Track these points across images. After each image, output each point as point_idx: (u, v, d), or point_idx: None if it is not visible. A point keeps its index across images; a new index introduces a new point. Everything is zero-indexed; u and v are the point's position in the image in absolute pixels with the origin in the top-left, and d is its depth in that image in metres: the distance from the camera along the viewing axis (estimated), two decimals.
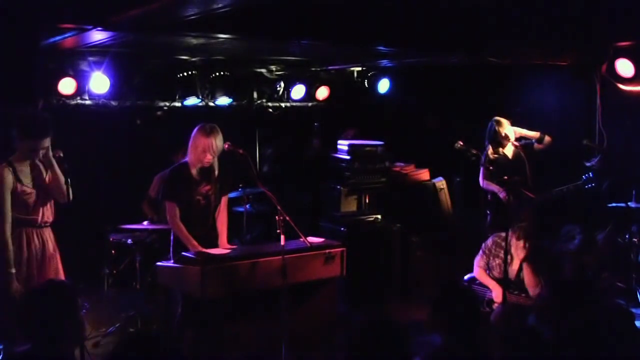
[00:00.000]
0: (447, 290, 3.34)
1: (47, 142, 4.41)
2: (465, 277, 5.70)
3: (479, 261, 5.62)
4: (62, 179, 4.51)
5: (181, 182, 5.11)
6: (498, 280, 5.34)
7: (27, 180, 4.42)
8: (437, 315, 3.21)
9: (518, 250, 5.37)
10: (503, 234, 5.24)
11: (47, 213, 4.51)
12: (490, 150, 6.37)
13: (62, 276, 4.58)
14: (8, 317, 4.25)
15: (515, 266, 5.39)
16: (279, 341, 4.57)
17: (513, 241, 5.34)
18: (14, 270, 4.28)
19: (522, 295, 5.27)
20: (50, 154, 4.47)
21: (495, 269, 5.44)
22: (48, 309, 2.84)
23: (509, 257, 5.29)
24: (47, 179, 4.49)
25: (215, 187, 5.20)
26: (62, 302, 2.90)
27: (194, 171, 5.11)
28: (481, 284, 5.53)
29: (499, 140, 6.36)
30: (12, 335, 4.13)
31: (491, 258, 5.52)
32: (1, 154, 4.47)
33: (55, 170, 4.48)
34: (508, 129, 6.37)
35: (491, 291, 5.43)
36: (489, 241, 5.60)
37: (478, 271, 5.60)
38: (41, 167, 4.49)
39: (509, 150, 6.40)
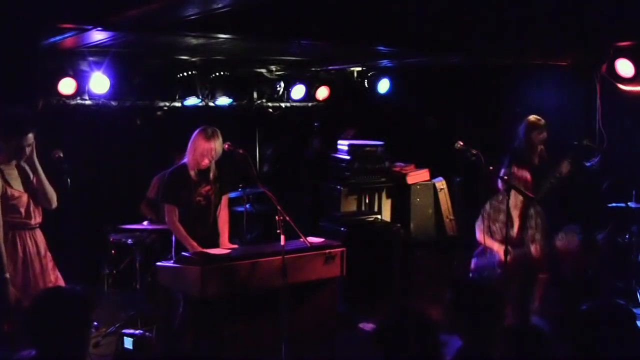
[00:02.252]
0: (463, 289, 3.31)
1: (31, 138, 4.33)
2: (473, 261, 5.75)
3: (480, 225, 5.69)
4: (47, 184, 4.44)
5: (180, 184, 5.12)
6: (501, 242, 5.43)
7: (16, 183, 4.35)
8: (457, 316, 3.18)
9: (516, 210, 5.48)
10: (500, 197, 5.41)
11: (37, 214, 4.48)
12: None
13: (59, 274, 4.56)
14: (5, 324, 4.25)
15: (516, 227, 5.49)
16: (279, 341, 4.57)
17: (512, 202, 5.42)
18: (8, 275, 4.22)
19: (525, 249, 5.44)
20: (35, 158, 4.40)
21: (497, 233, 5.52)
22: (64, 315, 2.73)
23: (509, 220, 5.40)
24: (34, 182, 4.44)
25: (214, 187, 5.21)
26: (79, 312, 2.78)
27: (192, 173, 5.13)
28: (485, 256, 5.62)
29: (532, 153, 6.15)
30: (8, 341, 4.13)
31: (491, 223, 5.59)
32: None
33: (39, 175, 4.41)
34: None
35: (497, 253, 5.49)
36: (487, 206, 5.65)
37: (480, 235, 5.67)
38: (28, 170, 4.42)
39: None
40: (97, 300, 6.37)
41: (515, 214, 5.57)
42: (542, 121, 6.19)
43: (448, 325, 3.21)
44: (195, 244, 5.03)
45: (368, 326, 6.30)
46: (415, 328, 2.76)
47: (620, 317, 2.83)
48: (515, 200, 5.48)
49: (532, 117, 6.24)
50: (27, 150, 4.33)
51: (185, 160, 5.17)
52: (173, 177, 5.19)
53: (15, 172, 4.38)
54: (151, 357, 4.84)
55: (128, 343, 5.35)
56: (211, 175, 5.19)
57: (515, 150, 6.15)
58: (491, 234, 5.60)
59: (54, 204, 4.52)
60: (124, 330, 5.49)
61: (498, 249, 5.47)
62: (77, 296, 2.84)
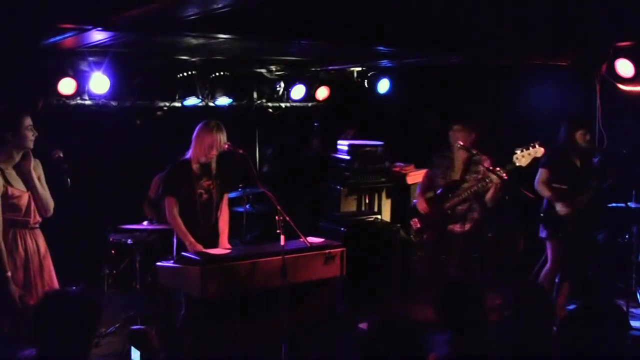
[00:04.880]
0: (448, 289, 3.33)
1: (30, 121, 4.35)
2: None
3: (424, 178, 6.16)
4: (42, 193, 4.43)
5: (182, 178, 5.14)
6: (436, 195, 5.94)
7: (16, 182, 4.37)
8: (440, 314, 3.20)
9: (460, 154, 5.85)
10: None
11: (37, 214, 4.48)
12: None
13: (55, 278, 4.57)
14: (6, 322, 4.25)
15: (456, 173, 5.83)
16: (279, 341, 4.57)
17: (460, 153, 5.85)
18: (9, 274, 4.23)
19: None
20: (31, 168, 4.40)
21: (437, 187, 5.96)
22: (68, 318, 2.74)
23: (451, 169, 5.88)
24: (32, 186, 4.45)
25: (215, 183, 5.23)
26: (84, 316, 2.79)
27: (195, 166, 5.17)
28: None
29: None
30: (9, 340, 4.12)
31: (435, 178, 6.01)
32: None
33: (35, 185, 4.41)
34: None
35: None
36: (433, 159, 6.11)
37: (419, 186, 6.19)
38: (26, 173, 4.42)
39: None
40: (99, 301, 6.36)
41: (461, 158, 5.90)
42: (587, 124, 6.03)
43: (439, 323, 3.23)
44: (193, 239, 5.04)
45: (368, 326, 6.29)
46: (399, 334, 2.76)
47: (610, 316, 2.84)
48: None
49: (575, 116, 6.10)
50: (31, 135, 4.35)
51: (187, 155, 5.19)
52: (174, 170, 5.21)
53: (14, 173, 4.38)
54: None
55: (135, 356, 5.33)
56: (213, 169, 5.21)
57: (554, 149, 5.95)
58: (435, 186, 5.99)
59: (50, 212, 4.52)
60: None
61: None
62: (83, 300, 2.85)
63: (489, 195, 5.65)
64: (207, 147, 5.09)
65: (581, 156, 5.98)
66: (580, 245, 5.98)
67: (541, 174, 5.98)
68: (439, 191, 5.98)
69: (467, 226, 5.81)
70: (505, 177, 5.40)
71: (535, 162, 5.70)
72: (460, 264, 5.86)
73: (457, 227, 5.84)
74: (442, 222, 5.85)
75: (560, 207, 5.87)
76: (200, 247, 5.02)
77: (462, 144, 5.86)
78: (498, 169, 5.45)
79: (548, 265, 6.06)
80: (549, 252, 6.06)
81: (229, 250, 5.07)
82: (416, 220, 6.06)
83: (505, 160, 5.83)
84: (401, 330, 2.75)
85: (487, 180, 5.56)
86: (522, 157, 5.34)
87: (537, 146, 5.32)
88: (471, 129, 5.85)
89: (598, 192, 5.84)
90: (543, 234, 6.06)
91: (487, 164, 5.66)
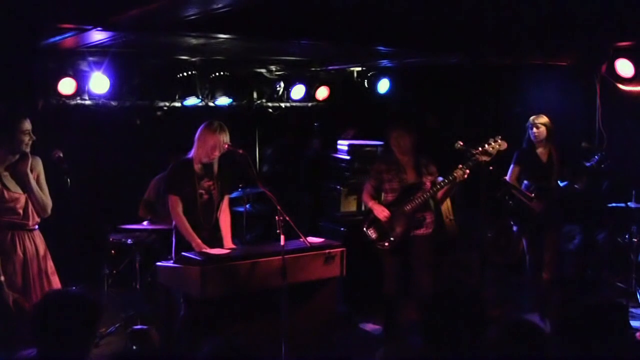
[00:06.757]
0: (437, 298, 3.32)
1: (29, 124, 4.36)
2: None
3: (367, 187, 5.89)
4: (38, 194, 4.43)
5: (184, 177, 5.13)
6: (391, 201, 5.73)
7: (12, 185, 4.37)
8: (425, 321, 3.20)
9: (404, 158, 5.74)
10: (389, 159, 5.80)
11: (35, 215, 4.48)
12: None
13: (56, 279, 4.56)
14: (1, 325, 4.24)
15: (410, 176, 5.72)
16: (279, 341, 4.57)
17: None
18: (3, 278, 4.23)
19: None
20: (28, 170, 4.40)
21: (389, 192, 5.76)
22: (71, 318, 2.75)
23: (403, 172, 5.71)
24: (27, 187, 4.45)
25: (216, 183, 5.22)
26: (84, 317, 2.79)
27: (197, 167, 5.16)
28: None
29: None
30: (6, 341, 4.12)
31: (385, 183, 5.78)
32: None
33: (31, 186, 4.42)
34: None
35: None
36: (377, 167, 5.90)
37: (365, 195, 5.91)
38: (22, 174, 4.43)
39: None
40: (99, 301, 6.35)
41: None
42: (539, 118, 6.03)
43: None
44: (199, 240, 5.02)
45: (368, 326, 6.30)
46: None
47: (613, 316, 2.84)
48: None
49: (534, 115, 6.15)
50: (28, 139, 4.34)
51: (190, 155, 5.19)
52: (177, 169, 5.20)
53: (8, 175, 4.37)
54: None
55: None
56: (214, 170, 5.21)
57: (521, 147, 6.11)
58: (384, 192, 5.80)
59: (47, 213, 4.52)
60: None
61: (374, 205, 5.76)
62: (84, 300, 2.85)
63: (441, 193, 5.81)
64: (209, 148, 5.09)
65: (544, 153, 6.02)
66: (549, 241, 5.99)
67: (512, 171, 6.13)
68: (393, 196, 5.79)
69: (429, 229, 5.79)
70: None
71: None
72: (430, 267, 5.82)
73: (420, 231, 5.76)
74: (406, 227, 5.74)
75: (533, 204, 5.96)
76: (206, 248, 5.00)
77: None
78: (460, 166, 5.50)
79: (527, 259, 6.13)
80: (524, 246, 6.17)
81: (228, 250, 5.06)
82: (372, 230, 5.85)
83: (506, 159, 5.87)
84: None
85: (451, 178, 5.56)
86: (483, 154, 5.44)
87: (499, 140, 5.48)
88: (410, 132, 5.81)
89: (562, 190, 5.86)
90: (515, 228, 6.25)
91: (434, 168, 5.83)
